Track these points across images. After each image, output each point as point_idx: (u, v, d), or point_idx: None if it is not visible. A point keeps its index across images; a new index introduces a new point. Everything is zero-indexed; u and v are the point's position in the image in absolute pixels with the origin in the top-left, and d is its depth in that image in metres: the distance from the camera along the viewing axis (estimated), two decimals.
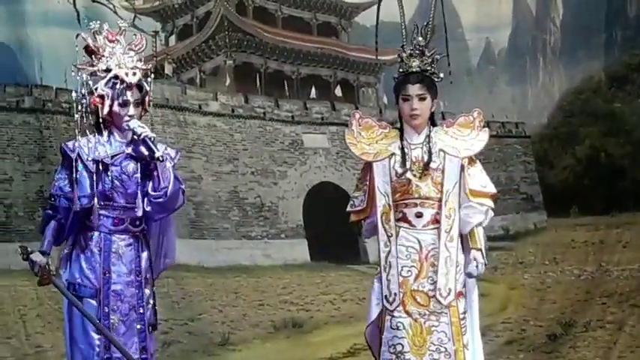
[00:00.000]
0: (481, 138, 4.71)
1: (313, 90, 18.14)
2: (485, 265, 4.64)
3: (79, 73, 4.57)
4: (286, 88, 17.90)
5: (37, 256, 4.46)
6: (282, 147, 16.15)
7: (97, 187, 4.51)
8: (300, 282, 14.20)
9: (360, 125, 4.82)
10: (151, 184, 4.52)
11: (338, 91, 18.31)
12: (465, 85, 17.35)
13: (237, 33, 16.86)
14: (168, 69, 16.07)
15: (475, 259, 4.59)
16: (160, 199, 4.51)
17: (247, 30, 17.01)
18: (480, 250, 4.63)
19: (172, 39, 17.85)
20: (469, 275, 4.60)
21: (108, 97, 4.51)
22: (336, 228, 15.35)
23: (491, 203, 4.71)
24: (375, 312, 4.64)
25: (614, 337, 10.92)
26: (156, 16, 17.26)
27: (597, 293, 12.75)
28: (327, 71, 18.15)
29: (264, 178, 15.68)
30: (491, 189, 4.73)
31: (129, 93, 4.51)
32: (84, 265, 4.53)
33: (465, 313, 4.61)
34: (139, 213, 4.57)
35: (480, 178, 4.70)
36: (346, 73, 18.29)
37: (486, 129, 4.76)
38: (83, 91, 4.54)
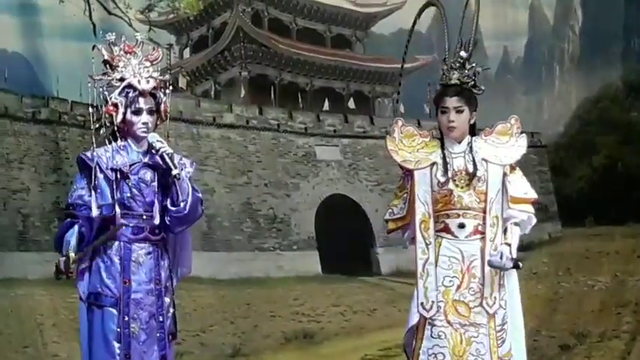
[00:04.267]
0: (520, 144, 4.67)
1: (327, 102, 18.15)
2: (515, 261, 4.62)
3: (95, 84, 4.56)
4: (300, 100, 17.93)
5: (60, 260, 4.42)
6: (295, 159, 16.18)
7: (116, 196, 4.48)
8: (312, 293, 14.25)
9: (401, 133, 4.75)
10: (169, 200, 4.49)
11: (351, 104, 18.27)
12: (483, 94, 17.32)
13: (253, 44, 16.92)
14: (182, 82, 16.13)
15: (502, 252, 4.50)
16: (180, 214, 4.49)
17: (262, 41, 17.08)
18: (509, 245, 4.54)
19: (186, 52, 17.92)
20: (490, 264, 4.49)
21: (121, 105, 4.49)
22: (347, 240, 15.44)
23: (532, 209, 4.65)
24: (414, 319, 4.61)
25: (629, 346, 10.93)
26: (171, 29, 17.31)
27: (612, 303, 12.75)
28: (340, 84, 18.17)
29: (277, 190, 15.72)
30: (533, 195, 4.68)
31: (142, 100, 4.50)
32: (104, 274, 4.50)
33: (502, 325, 4.58)
34: (156, 221, 4.55)
35: (521, 185, 4.67)
36: (360, 84, 18.28)
37: (524, 135, 4.70)
38: (100, 100, 4.51)
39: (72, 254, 4.40)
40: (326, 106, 18.02)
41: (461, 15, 4.77)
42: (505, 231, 4.60)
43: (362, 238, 16.14)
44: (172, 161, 4.45)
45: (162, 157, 4.47)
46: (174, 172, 4.41)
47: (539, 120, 18.36)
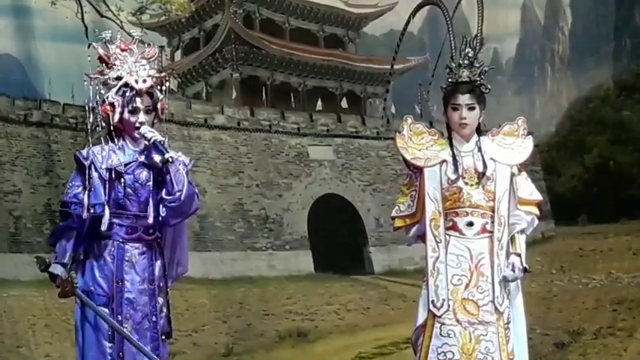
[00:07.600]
0: (526, 145, 4.78)
1: (319, 102, 18.19)
2: (526, 270, 4.67)
3: (91, 83, 4.59)
4: (292, 100, 17.97)
5: (56, 269, 4.46)
6: (287, 159, 16.21)
7: (110, 196, 4.52)
8: (305, 292, 14.27)
9: (410, 130, 4.85)
10: (164, 189, 4.50)
11: (344, 103, 18.32)
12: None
13: (244, 46, 16.92)
14: (173, 84, 16.13)
15: (513, 264, 4.62)
16: (175, 203, 4.49)
17: (254, 43, 17.08)
18: (519, 255, 4.65)
19: (178, 54, 17.91)
20: (505, 279, 4.60)
21: (118, 104, 4.52)
22: (340, 239, 15.43)
23: (537, 211, 4.77)
24: (422, 317, 4.68)
25: (625, 343, 10.95)
26: (162, 31, 17.28)
27: (607, 301, 12.75)
28: (333, 83, 18.15)
29: (269, 191, 15.73)
30: (537, 196, 4.78)
31: (138, 100, 4.52)
32: (97, 273, 4.54)
33: (508, 323, 4.66)
34: (151, 221, 4.57)
35: (526, 186, 4.76)
36: (352, 84, 18.28)
37: (530, 137, 4.83)
38: (97, 99, 4.56)
39: (75, 280, 4.44)
40: (319, 105, 18.11)
41: (455, 16, 4.83)
42: (512, 240, 4.68)
43: (354, 237, 16.17)
44: (164, 147, 4.46)
45: (154, 144, 4.48)
46: (167, 155, 4.42)
47: (531, 120, 18.25)
